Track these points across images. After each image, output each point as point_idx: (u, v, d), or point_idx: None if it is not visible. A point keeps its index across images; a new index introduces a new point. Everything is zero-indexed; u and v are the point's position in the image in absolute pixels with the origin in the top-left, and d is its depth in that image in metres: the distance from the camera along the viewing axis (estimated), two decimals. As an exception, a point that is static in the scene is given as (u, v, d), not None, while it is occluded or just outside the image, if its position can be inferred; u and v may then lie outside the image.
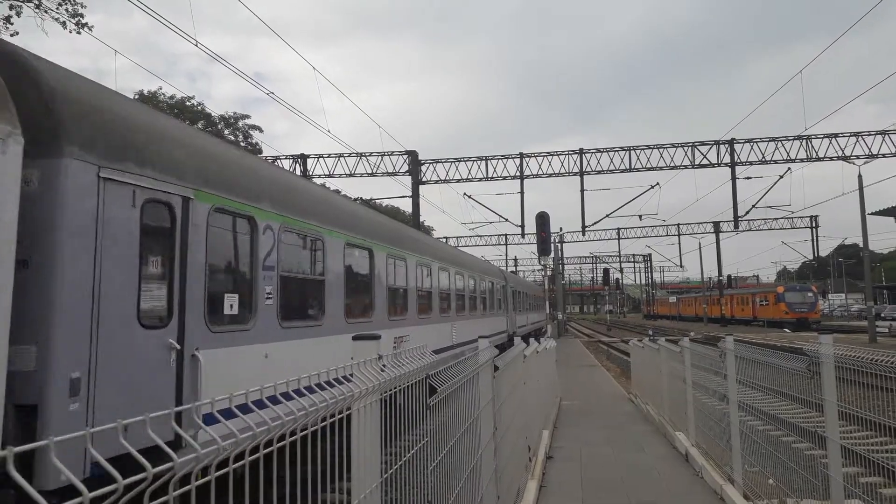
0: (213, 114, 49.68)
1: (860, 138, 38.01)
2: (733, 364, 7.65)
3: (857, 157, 37.12)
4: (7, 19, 22.99)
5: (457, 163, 41.28)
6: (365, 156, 40.07)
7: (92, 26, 23.54)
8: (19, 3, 22.40)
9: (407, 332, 12.23)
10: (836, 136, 38.34)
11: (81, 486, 1.11)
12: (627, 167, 40.56)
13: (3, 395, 3.99)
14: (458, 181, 41.39)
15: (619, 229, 73.71)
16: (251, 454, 1.74)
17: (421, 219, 42.23)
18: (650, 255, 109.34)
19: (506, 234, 73.10)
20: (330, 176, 40.11)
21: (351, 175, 40.32)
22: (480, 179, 41.48)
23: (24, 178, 4.34)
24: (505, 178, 41.62)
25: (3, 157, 4.10)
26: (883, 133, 37.82)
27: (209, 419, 1.55)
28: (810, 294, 56.93)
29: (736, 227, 47.61)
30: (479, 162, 41.43)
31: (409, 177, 40.42)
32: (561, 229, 59.12)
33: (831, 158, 38.43)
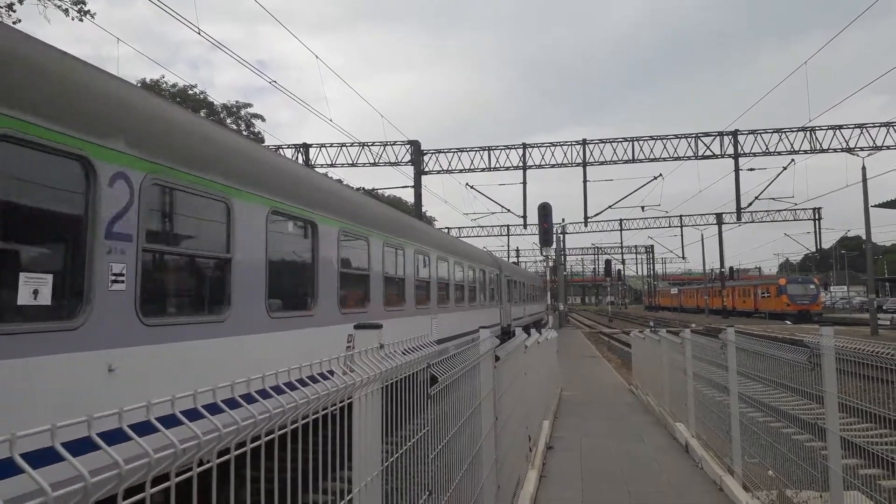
0: (215, 102, 49.63)
1: (864, 130, 37.88)
2: (734, 355, 7.66)
3: (861, 148, 37.02)
4: (9, 6, 22.94)
5: (459, 153, 41.23)
6: (367, 145, 40.01)
7: (94, 14, 23.49)
8: (21, -9, 22.32)
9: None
10: (840, 127, 38.22)
11: (84, 472, 1.12)
12: (630, 158, 40.49)
13: None
14: (461, 171, 41.36)
15: (621, 220, 73.70)
16: (252, 442, 1.75)
17: (423, 209, 42.21)
18: (652, 246, 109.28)
19: (508, 225, 72.96)
20: (332, 165, 40.10)
21: (353, 165, 40.29)
22: (483, 170, 41.44)
23: None
24: (507, 168, 41.58)
25: None
26: (887, 125, 37.70)
27: (212, 408, 1.56)
28: (812, 286, 56.89)
29: (738, 218, 47.57)
30: (481, 152, 41.37)
31: (412, 167, 40.36)
32: (563, 220, 59.08)
33: (835, 150, 38.34)
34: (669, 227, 70.12)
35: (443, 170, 41.10)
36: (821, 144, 38.51)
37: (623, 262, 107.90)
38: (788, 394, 6.21)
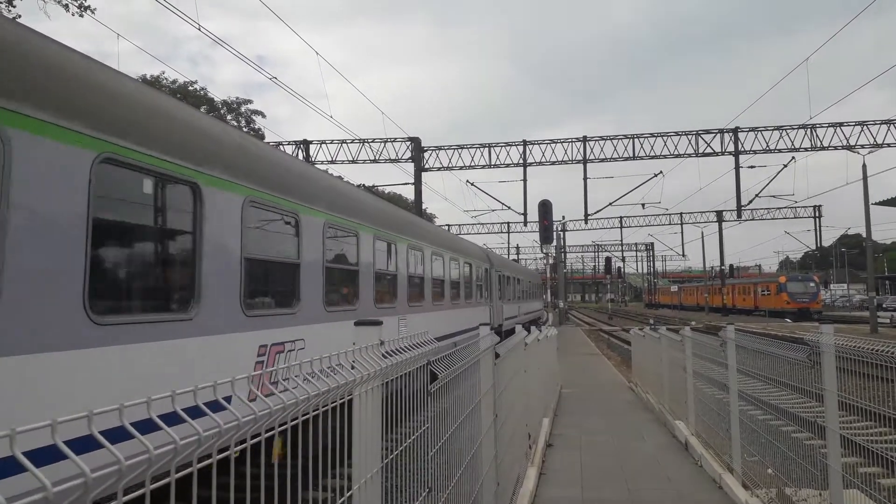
0: (215, 98, 49.59)
1: (865, 127, 37.86)
2: (734, 353, 7.66)
3: (862, 146, 36.99)
4: (9, 1, 22.91)
5: (459, 150, 41.24)
6: (368, 142, 40.00)
7: (94, 9, 23.44)
8: (21, -14, 22.29)
9: (311, 331, 8.02)
10: (840, 125, 38.20)
11: (84, 467, 1.12)
12: (631, 155, 40.47)
13: None
14: (461, 168, 41.37)
15: (621, 218, 73.65)
16: (253, 439, 1.75)
17: (423, 206, 42.23)
18: (652, 243, 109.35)
19: (508, 223, 73.17)
20: (332, 162, 40.11)
21: (353, 161, 40.29)
22: (483, 167, 41.43)
23: None
24: (508, 165, 41.58)
25: None
26: (888, 122, 37.65)
27: (213, 405, 1.56)
28: (812, 284, 56.91)
29: (739, 216, 47.59)
30: (482, 149, 41.37)
31: (412, 163, 40.36)
32: (563, 217, 59.07)
33: (836, 147, 38.32)
34: (670, 224, 70.08)
35: (443, 167, 41.11)
36: (821, 142, 38.50)
37: (623, 259, 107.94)
38: (788, 392, 6.22)
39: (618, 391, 17.09)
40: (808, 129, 38.45)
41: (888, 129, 37.56)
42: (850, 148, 37.40)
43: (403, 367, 2.95)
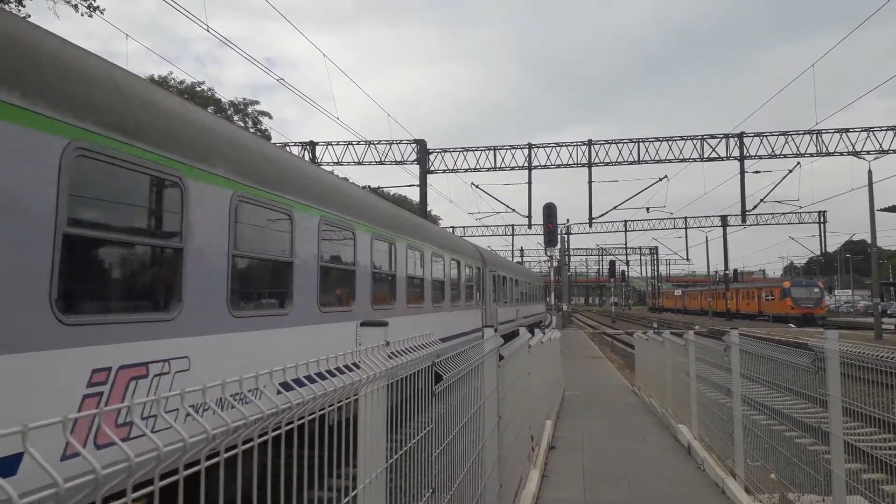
0: (222, 99, 49.74)
1: (871, 133, 37.79)
2: (738, 358, 7.65)
3: (868, 152, 36.91)
4: (19, 1, 23.03)
5: (465, 152, 41.29)
6: (373, 144, 40.08)
7: (103, 10, 23.56)
8: (30, -15, 22.42)
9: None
10: (846, 130, 38.14)
11: (95, 464, 1.13)
12: (636, 159, 40.49)
13: None
14: (466, 171, 41.44)
15: (626, 221, 73.68)
16: (259, 438, 1.77)
17: (428, 208, 42.27)
18: (657, 247, 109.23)
19: (512, 225, 73.13)
20: (338, 163, 40.19)
21: (359, 163, 40.37)
22: (488, 169, 41.49)
23: None
24: (513, 168, 41.63)
25: None
26: (894, 128, 37.57)
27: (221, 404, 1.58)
28: (816, 290, 56.76)
29: (743, 220, 47.52)
30: (487, 152, 41.42)
31: (417, 166, 40.41)
32: (568, 220, 59.15)
33: (841, 153, 38.26)
34: (674, 228, 70.16)
35: (448, 169, 41.18)
36: (827, 147, 38.45)
37: (627, 263, 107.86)
38: (792, 397, 6.21)
39: (621, 394, 17.07)
40: (814, 135, 38.41)
41: (894, 136, 37.49)
42: (855, 154, 37.32)
43: (408, 367, 2.96)
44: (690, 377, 10.18)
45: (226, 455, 1.61)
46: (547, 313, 50.31)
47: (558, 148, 41.64)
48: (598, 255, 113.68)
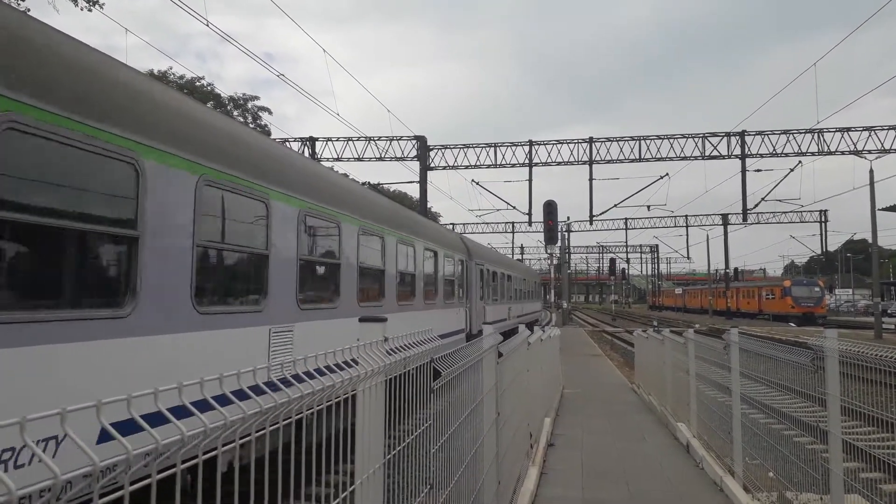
0: (222, 94, 49.70)
1: (873, 132, 37.73)
2: (737, 357, 7.66)
3: (870, 151, 36.88)
4: (19, -5, 22.97)
5: (465, 149, 41.26)
6: (373, 140, 40.04)
7: (103, 3, 23.51)
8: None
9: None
10: (848, 129, 38.09)
11: (93, 456, 1.13)
12: (637, 157, 40.44)
13: None
14: (467, 167, 41.40)
15: (626, 219, 73.65)
16: (258, 432, 1.77)
17: (429, 205, 42.25)
18: (657, 245, 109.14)
19: (513, 222, 73.25)
20: (338, 160, 40.16)
21: (359, 159, 40.35)
22: (489, 166, 41.45)
23: None
24: (514, 165, 41.58)
25: None
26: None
27: (220, 399, 1.58)
28: (817, 289, 56.75)
29: (744, 219, 47.37)
30: (487, 148, 41.39)
31: (418, 162, 40.38)
32: (568, 218, 59.12)
33: (843, 152, 38.20)
34: (675, 226, 70.09)
35: (448, 166, 41.15)
36: (828, 146, 38.40)
37: (627, 261, 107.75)
38: (791, 396, 6.22)
39: (620, 392, 17.08)
40: (816, 134, 38.35)
41: (896, 135, 37.46)
42: (857, 153, 37.29)
43: (407, 363, 2.96)
44: (690, 375, 10.19)
45: (223, 449, 1.61)
46: (545, 312, 49.87)
47: (559, 145, 41.60)
48: (599, 253, 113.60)
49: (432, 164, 40.94)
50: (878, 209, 33.88)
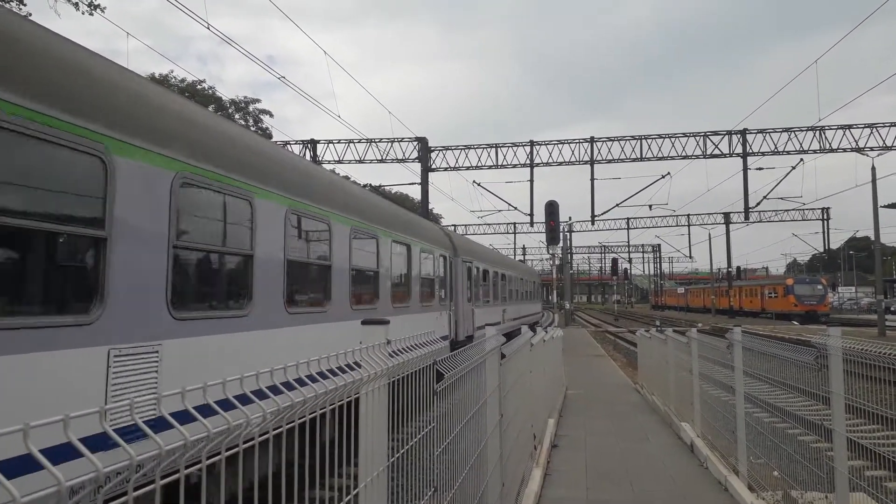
0: (223, 97, 49.78)
1: (874, 130, 37.69)
2: (740, 355, 7.65)
3: (872, 148, 36.84)
4: (20, 0, 23.05)
5: (466, 150, 41.27)
6: (375, 142, 40.07)
7: (104, 7, 23.56)
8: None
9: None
10: (849, 127, 38.05)
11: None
12: (638, 156, 40.42)
13: None
14: (468, 168, 41.42)
15: (628, 219, 73.61)
16: (261, 436, 1.77)
17: (430, 206, 42.26)
18: (659, 245, 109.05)
19: (514, 223, 73.29)
20: (340, 162, 40.21)
21: (361, 161, 40.38)
22: (490, 167, 41.46)
23: None
24: (515, 165, 41.58)
25: None
26: (897, 125, 37.49)
27: (223, 403, 1.58)
28: (820, 287, 56.64)
29: (746, 218, 47.31)
30: (489, 149, 41.41)
31: (419, 163, 40.40)
32: (570, 218, 59.11)
33: (845, 150, 38.18)
34: (677, 226, 69.96)
35: (450, 167, 41.17)
36: (830, 144, 38.37)
37: (630, 260, 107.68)
38: (795, 394, 6.21)
39: (623, 392, 17.06)
40: (817, 131, 38.31)
41: (898, 132, 37.40)
42: (859, 150, 37.25)
43: (410, 366, 2.96)
44: (693, 375, 10.17)
45: (227, 453, 1.61)
46: (545, 313, 49.04)
47: (560, 145, 41.59)
48: (601, 253, 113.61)
49: (433, 166, 40.96)
50: (881, 206, 33.85)
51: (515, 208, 45.57)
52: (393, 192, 60.12)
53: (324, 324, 8.56)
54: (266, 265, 6.98)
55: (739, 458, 7.70)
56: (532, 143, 41.68)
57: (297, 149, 39.43)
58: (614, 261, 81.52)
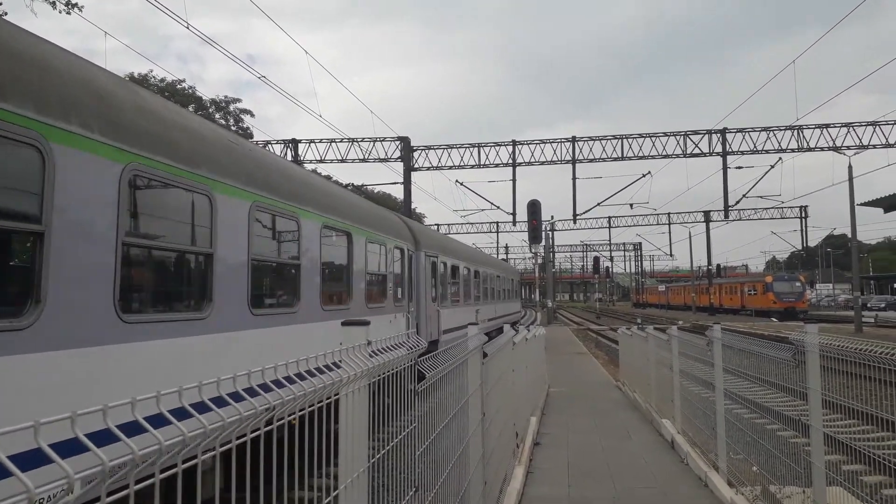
0: (203, 97, 49.35)
1: (851, 129, 38.24)
2: (720, 353, 7.72)
3: (848, 147, 37.35)
4: (-6, -2, 22.67)
5: (449, 149, 41.26)
6: (357, 141, 39.94)
7: (82, 6, 23.25)
8: (6, -18, 22.10)
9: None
10: (827, 126, 38.56)
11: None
12: (620, 156, 40.65)
13: None
14: (451, 168, 41.41)
15: (609, 218, 73.95)
16: (238, 439, 1.75)
17: (413, 206, 42.22)
18: (640, 243, 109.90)
19: (497, 222, 73.45)
20: (321, 161, 40.03)
21: (342, 161, 40.23)
22: (473, 166, 41.48)
23: None
24: (497, 165, 41.63)
25: None
26: (874, 124, 38.07)
27: (199, 406, 1.56)
28: (798, 284, 57.40)
29: (726, 216, 47.89)
30: (471, 149, 41.43)
31: (401, 163, 40.34)
32: (552, 217, 59.30)
33: (822, 149, 38.67)
34: (658, 224, 70.54)
35: (432, 166, 41.13)
36: (808, 143, 38.85)
37: (611, 259, 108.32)
38: (773, 390, 6.28)
39: (605, 390, 17.17)
40: (795, 131, 38.78)
41: (874, 131, 37.98)
42: (836, 149, 37.76)
43: (390, 366, 2.96)
44: (674, 372, 10.25)
45: (203, 457, 1.60)
46: (524, 312, 48.28)
47: (542, 145, 41.72)
48: (583, 252, 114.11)
49: (416, 165, 40.90)
50: (857, 204, 34.26)
51: (498, 207, 45.53)
52: (376, 191, 60.02)
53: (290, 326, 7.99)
54: (222, 264, 6.51)
55: (719, 454, 7.77)
56: (514, 143, 41.76)
57: (278, 148, 39.19)
58: (596, 259, 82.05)
